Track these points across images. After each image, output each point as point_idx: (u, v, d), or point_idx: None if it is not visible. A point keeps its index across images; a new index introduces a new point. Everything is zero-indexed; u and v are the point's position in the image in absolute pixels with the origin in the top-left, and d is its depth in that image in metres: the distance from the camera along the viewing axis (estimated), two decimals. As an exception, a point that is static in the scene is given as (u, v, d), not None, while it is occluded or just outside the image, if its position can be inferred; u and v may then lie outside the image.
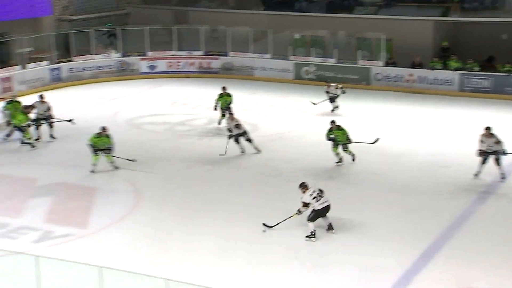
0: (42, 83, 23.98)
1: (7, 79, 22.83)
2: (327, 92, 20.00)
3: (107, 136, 14.86)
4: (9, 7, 25.02)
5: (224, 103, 18.52)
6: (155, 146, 17.13)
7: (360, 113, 20.08)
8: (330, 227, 11.67)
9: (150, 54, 26.34)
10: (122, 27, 26.85)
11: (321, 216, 11.58)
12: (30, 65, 23.86)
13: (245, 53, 25.92)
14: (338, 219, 11.91)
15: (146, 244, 11.41)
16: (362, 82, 23.74)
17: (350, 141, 15.25)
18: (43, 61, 24.43)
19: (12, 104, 17.58)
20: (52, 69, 24.46)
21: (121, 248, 11.25)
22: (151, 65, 26.33)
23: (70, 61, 25.13)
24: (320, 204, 11.43)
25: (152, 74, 26.22)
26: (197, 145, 17.31)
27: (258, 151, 16.21)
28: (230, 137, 16.11)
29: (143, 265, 10.45)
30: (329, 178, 14.54)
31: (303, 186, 11.68)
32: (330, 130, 15.32)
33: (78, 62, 25.26)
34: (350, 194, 13.68)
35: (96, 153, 14.86)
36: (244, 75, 25.75)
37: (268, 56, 25.63)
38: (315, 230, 11.41)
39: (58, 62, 24.80)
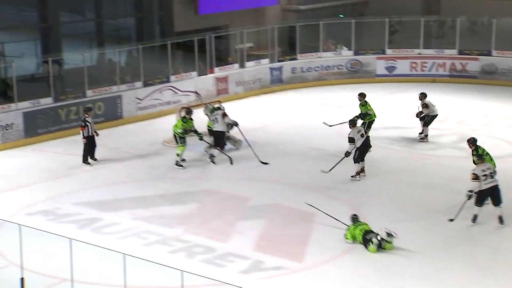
0: (261, 85, 25.55)
1: (223, 79, 24.73)
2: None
3: None
4: (232, -4, 26.98)
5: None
6: (389, 167, 17.33)
7: None
8: (500, 220, 13.26)
9: (389, 52, 26.68)
10: (357, 19, 27.54)
11: (489, 197, 13.20)
12: (248, 63, 25.60)
13: (515, 52, 25.14)
14: None
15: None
16: None
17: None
18: (263, 58, 26.05)
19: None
20: (273, 69, 25.97)
21: (341, 289, 11.59)
22: (389, 66, 26.61)
23: (293, 59, 26.49)
24: (486, 183, 13.14)
25: (390, 77, 26.51)
26: (442, 167, 17.16)
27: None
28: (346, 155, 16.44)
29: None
30: None
31: (481, 158, 13.51)
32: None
33: (303, 61, 26.48)
34: None
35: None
36: (511, 81, 24.97)
37: (549, 56, 24.62)
38: (477, 216, 13.26)
39: (280, 61, 26.28)
